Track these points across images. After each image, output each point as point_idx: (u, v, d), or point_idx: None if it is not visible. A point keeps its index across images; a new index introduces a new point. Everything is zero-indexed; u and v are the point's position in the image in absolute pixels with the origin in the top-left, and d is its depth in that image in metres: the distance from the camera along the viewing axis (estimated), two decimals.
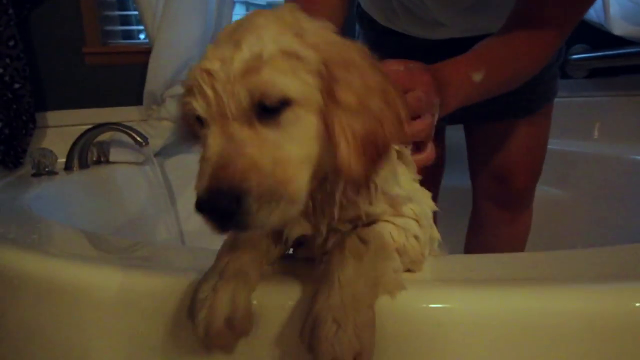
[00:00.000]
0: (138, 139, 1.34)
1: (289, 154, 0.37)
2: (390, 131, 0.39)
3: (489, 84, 0.67)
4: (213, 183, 0.35)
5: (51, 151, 1.36)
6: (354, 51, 0.40)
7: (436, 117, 0.58)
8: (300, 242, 0.52)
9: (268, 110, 0.37)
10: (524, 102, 0.98)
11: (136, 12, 1.62)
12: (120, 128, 1.36)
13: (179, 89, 1.45)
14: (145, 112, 1.54)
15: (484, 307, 0.46)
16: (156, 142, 1.47)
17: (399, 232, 0.47)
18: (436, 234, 0.57)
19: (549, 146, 1.06)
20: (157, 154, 1.48)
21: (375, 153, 0.38)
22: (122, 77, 1.61)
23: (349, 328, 0.37)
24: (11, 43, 1.32)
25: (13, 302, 0.61)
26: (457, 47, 0.75)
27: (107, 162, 1.46)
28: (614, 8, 1.37)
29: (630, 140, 1.40)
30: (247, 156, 0.36)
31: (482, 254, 0.62)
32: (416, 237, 0.49)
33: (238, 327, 0.42)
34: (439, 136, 1.11)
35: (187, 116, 0.41)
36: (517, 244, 1.09)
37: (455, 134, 1.15)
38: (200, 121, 0.39)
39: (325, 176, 0.43)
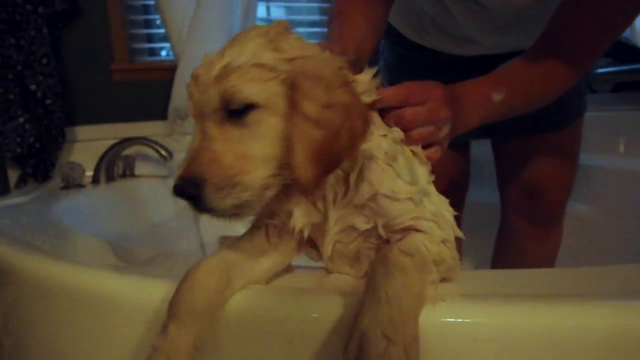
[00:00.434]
0: (163, 153, 1.37)
1: (250, 150, 0.43)
2: (344, 145, 0.42)
3: (509, 104, 0.68)
4: (183, 173, 0.42)
5: (79, 165, 1.40)
6: (329, 68, 0.43)
7: (445, 130, 0.60)
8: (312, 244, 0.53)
9: (236, 111, 0.42)
10: (555, 117, 0.96)
11: (161, 30, 1.67)
12: (146, 142, 1.40)
13: None
14: (170, 127, 1.58)
15: (519, 323, 0.45)
16: (180, 156, 1.50)
17: (430, 241, 0.48)
18: (460, 233, 0.56)
19: None
20: None
21: (327, 162, 0.42)
22: (148, 93, 1.66)
23: (399, 343, 0.37)
24: (44, 61, 1.38)
25: (44, 310, 0.62)
26: (486, 63, 0.75)
27: (133, 175, 1.50)
28: (639, 22, 1.35)
29: None
30: (212, 151, 0.42)
31: (512, 269, 0.61)
32: (444, 241, 0.50)
33: None
34: (463, 150, 1.11)
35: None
36: (546, 261, 1.06)
37: (481, 147, 1.13)
38: None
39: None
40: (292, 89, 0.42)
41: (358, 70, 0.50)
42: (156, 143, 1.39)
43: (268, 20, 2.01)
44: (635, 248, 1.24)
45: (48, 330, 0.63)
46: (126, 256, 0.76)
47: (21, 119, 1.37)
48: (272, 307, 0.48)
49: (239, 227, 0.54)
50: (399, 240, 0.48)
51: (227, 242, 0.52)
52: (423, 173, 0.54)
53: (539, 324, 0.45)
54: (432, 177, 0.56)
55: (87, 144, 1.55)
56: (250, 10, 1.59)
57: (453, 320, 0.45)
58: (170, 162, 1.39)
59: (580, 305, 0.46)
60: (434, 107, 0.58)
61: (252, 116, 0.42)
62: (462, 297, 0.48)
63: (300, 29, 2.10)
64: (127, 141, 1.43)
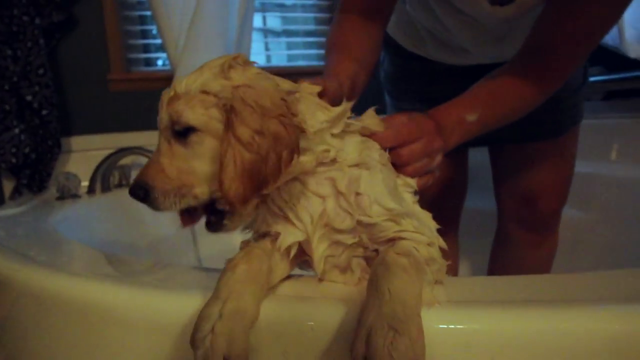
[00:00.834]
0: None
1: (190, 166, 0.49)
2: (271, 170, 0.46)
3: (485, 121, 0.71)
4: (137, 179, 0.50)
5: (75, 175, 1.40)
6: (269, 98, 0.47)
7: (438, 159, 0.65)
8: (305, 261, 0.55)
9: (180, 132, 0.48)
10: (550, 125, 0.97)
11: (158, 41, 1.68)
12: (142, 152, 1.40)
13: None
14: None
15: (512, 328, 0.45)
16: None
17: (417, 243, 0.50)
18: (443, 244, 0.58)
19: None
20: None
21: (253, 183, 0.46)
22: (144, 103, 1.66)
23: (405, 335, 0.38)
24: (41, 71, 1.39)
25: (39, 320, 0.62)
26: (483, 72, 0.77)
27: (129, 185, 1.50)
28: (629, 32, 1.38)
29: None
30: (160, 163, 0.49)
31: (506, 275, 0.62)
32: (430, 244, 0.52)
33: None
34: (461, 158, 1.12)
35: None
36: (542, 267, 1.07)
37: (478, 155, 1.14)
38: None
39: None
40: (230, 113, 0.46)
41: (349, 101, 0.55)
42: (152, 153, 1.39)
43: (265, 31, 2.03)
44: (629, 253, 1.25)
45: (43, 341, 0.62)
46: (122, 267, 0.76)
47: (17, 130, 1.37)
48: (266, 314, 0.48)
49: (237, 238, 0.55)
50: (391, 246, 0.50)
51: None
52: (408, 195, 0.58)
53: (533, 329, 0.45)
54: (417, 198, 0.59)
55: (83, 154, 1.55)
56: (246, 20, 1.60)
57: (446, 326, 0.45)
58: None
59: (574, 311, 0.47)
60: (428, 141, 0.62)
61: (193, 137, 0.48)
62: (455, 303, 0.48)
63: (297, 39, 2.13)
64: (123, 151, 1.43)
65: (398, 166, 0.60)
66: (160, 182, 0.48)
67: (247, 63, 0.51)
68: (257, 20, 1.91)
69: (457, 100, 0.71)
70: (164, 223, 1.43)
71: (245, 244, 0.53)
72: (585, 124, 1.04)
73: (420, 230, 0.52)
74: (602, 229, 1.37)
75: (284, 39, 2.08)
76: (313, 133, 0.50)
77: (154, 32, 1.71)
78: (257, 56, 1.95)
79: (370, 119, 0.58)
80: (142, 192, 0.49)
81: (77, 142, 1.58)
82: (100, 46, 1.61)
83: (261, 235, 0.54)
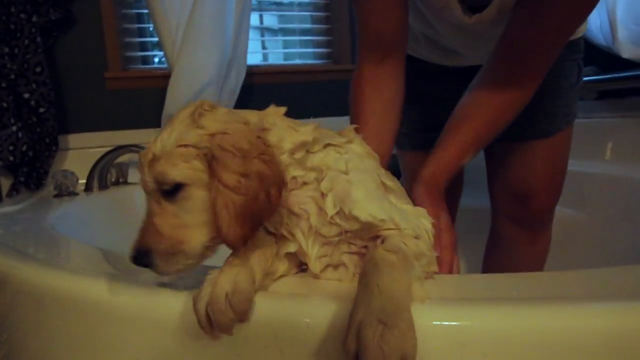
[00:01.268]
0: None
1: (183, 221, 0.49)
2: (262, 207, 0.48)
3: (478, 150, 0.80)
4: (136, 245, 0.49)
5: (72, 173, 1.40)
6: (246, 140, 0.49)
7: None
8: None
9: (168, 191, 0.49)
10: (544, 124, 0.99)
11: (155, 39, 1.68)
12: (139, 150, 1.40)
13: None
14: None
15: (505, 326, 0.46)
16: None
17: (405, 238, 0.52)
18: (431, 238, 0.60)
19: None
20: None
21: (250, 222, 0.48)
22: (141, 101, 1.67)
23: (394, 328, 0.39)
24: (38, 69, 1.39)
25: (37, 318, 0.62)
26: (475, 73, 0.78)
27: (126, 183, 1.50)
28: (622, 32, 1.39)
29: None
30: (154, 225, 0.49)
31: (501, 273, 0.63)
32: (417, 237, 0.54)
33: (237, 305, 0.47)
34: None
35: None
36: (535, 265, 1.08)
37: None
38: None
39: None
40: (212, 161, 0.48)
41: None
42: None
43: (261, 29, 2.03)
44: (622, 251, 1.26)
45: (41, 338, 0.63)
46: (119, 264, 0.76)
47: (14, 128, 1.37)
48: (262, 312, 0.49)
49: None
50: (381, 242, 0.51)
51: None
52: (398, 203, 0.59)
53: (525, 327, 0.46)
54: (408, 201, 0.62)
55: (81, 152, 1.56)
56: (243, 18, 1.60)
57: (439, 323, 0.45)
58: None
59: (566, 308, 0.47)
60: (447, 229, 0.70)
61: (182, 193, 0.49)
62: (448, 300, 0.49)
63: (293, 37, 2.13)
64: (120, 149, 1.43)
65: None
66: (157, 243, 0.48)
67: (213, 107, 0.52)
68: (253, 19, 1.91)
69: (447, 152, 0.78)
70: None
71: None
72: (579, 123, 1.05)
73: (403, 226, 0.53)
74: (596, 228, 1.38)
75: (280, 38, 2.09)
76: (288, 158, 0.52)
77: (151, 30, 1.71)
78: (254, 55, 1.96)
79: (356, 139, 0.59)
80: (145, 257, 0.48)
81: (75, 139, 1.58)
82: (98, 44, 1.61)
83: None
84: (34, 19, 1.39)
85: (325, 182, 0.53)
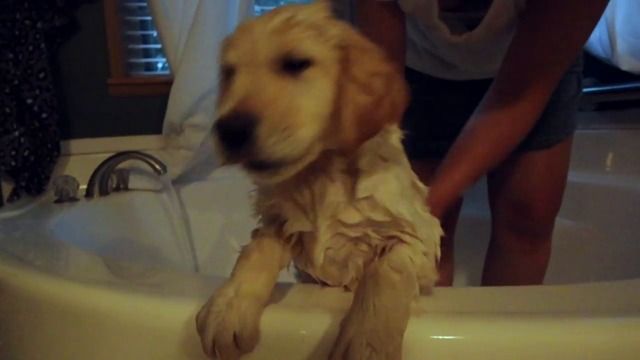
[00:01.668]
0: (156, 167, 1.38)
1: (302, 104, 0.42)
2: (385, 111, 0.45)
3: (475, 182, 0.81)
4: (236, 106, 0.39)
5: (73, 178, 1.40)
6: (369, 42, 0.47)
7: None
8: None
9: (292, 65, 0.43)
10: (543, 135, 0.99)
11: (158, 45, 1.69)
12: (140, 156, 1.41)
13: (197, 119, 1.51)
14: (165, 141, 1.59)
15: (498, 340, 0.46)
16: (174, 170, 1.51)
17: (415, 253, 0.50)
18: (439, 253, 0.59)
19: None
20: (174, 182, 1.51)
21: (368, 127, 0.44)
22: (143, 107, 1.67)
23: (382, 353, 0.38)
24: (41, 75, 1.40)
25: (34, 324, 0.62)
26: (476, 88, 0.80)
27: (126, 189, 1.50)
28: (621, 45, 1.40)
29: None
30: (268, 93, 0.41)
31: (500, 285, 0.63)
32: (426, 254, 0.52)
33: (244, 344, 0.44)
34: None
35: (221, 71, 0.48)
36: (535, 276, 1.08)
37: None
38: (229, 74, 0.45)
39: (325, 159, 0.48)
40: (344, 53, 0.44)
41: None
42: (150, 157, 1.40)
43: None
44: (622, 263, 1.25)
45: (39, 345, 0.63)
46: (119, 271, 0.76)
47: (16, 133, 1.37)
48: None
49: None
50: (388, 251, 0.50)
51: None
52: (419, 205, 0.58)
53: (518, 341, 0.46)
54: (428, 208, 0.60)
55: (82, 157, 1.56)
56: None
57: (433, 337, 0.45)
58: (164, 176, 1.40)
59: (562, 323, 0.47)
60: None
61: (308, 72, 0.43)
62: (440, 314, 0.48)
63: None
64: (121, 155, 1.44)
65: None
66: (271, 114, 0.39)
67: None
68: None
69: (443, 184, 0.78)
70: (159, 226, 1.45)
71: (255, 233, 0.54)
72: (579, 134, 1.05)
73: (420, 236, 0.52)
74: (596, 239, 1.38)
75: None
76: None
77: (155, 36, 1.72)
78: None
79: (395, 133, 0.57)
80: (248, 125, 0.38)
81: (76, 145, 1.58)
82: (101, 51, 1.62)
83: (270, 220, 0.54)
84: (39, 25, 1.40)
85: (364, 162, 0.49)
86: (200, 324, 0.45)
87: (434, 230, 0.57)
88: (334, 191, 0.49)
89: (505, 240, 1.09)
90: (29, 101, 1.38)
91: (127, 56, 1.69)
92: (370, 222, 0.50)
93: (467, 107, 0.87)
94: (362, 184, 0.49)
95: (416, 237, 0.51)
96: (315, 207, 0.50)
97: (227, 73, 0.46)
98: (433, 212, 0.70)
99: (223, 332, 0.43)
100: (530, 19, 0.76)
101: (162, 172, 1.38)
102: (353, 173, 0.50)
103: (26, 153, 1.39)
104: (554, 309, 0.53)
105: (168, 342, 0.53)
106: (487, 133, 0.80)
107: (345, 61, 0.44)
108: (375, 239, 0.51)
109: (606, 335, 0.46)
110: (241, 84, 0.42)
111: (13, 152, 1.37)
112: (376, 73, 0.45)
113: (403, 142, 0.57)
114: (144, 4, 1.65)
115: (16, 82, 1.37)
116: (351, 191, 0.49)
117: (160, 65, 1.81)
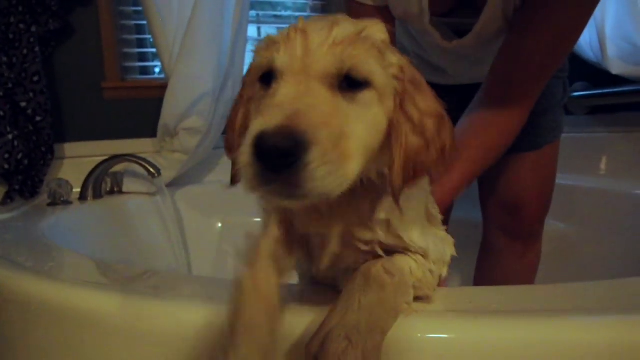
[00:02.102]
0: (151, 170, 1.38)
1: (355, 130, 0.37)
2: (433, 156, 0.42)
3: (472, 181, 0.83)
4: (285, 122, 0.32)
5: (67, 181, 1.40)
6: (421, 76, 0.44)
7: None
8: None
9: (350, 83, 0.38)
10: (532, 137, 1.01)
11: (153, 50, 1.70)
12: (134, 159, 1.41)
13: (192, 122, 1.51)
14: (159, 144, 1.59)
15: (485, 339, 0.46)
16: (168, 174, 1.51)
17: (418, 267, 0.49)
18: (445, 273, 0.58)
19: None
20: (168, 185, 1.51)
21: (415, 170, 0.41)
22: (138, 111, 1.67)
23: (359, 348, 0.38)
24: (36, 78, 1.40)
25: (26, 327, 0.62)
26: (465, 92, 0.81)
27: (120, 192, 1.50)
28: (611, 49, 1.42)
29: (634, 175, 1.41)
30: (323, 112, 0.35)
31: (491, 285, 0.63)
32: (431, 272, 0.51)
33: None
34: None
35: (255, 69, 0.43)
36: (526, 277, 1.09)
37: None
38: (267, 77, 0.40)
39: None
40: (400, 86, 0.41)
41: None
42: (144, 160, 1.40)
43: (259, 41, 2.05)
44: (612, 265, 1.27)
45: (31, 348, 0.63)
46: (112, 274, 0.76)
47: (10, 136, 1.37)
48: None
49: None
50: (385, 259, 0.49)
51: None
52: (433, 231, 0.55)
53: (509, 339, 0.46)
54: (445, 227, 0.58)
55: (76, 161, 1.56)
56: (241, 31, 1.62)
57: (425, 335, 0.46)
58: (158, 179, 1.40)
59: (551, 322, 0.48)
60: None
61: (364, 95, 0.39)
62: (426, 313, 0.49)
63: None
64: (115, 158, 1.43)
65: None
66: (325, 138, 0.33)
67: None
68: (251, 30, 1.93)
69: (447, 185, 0.79)
70: (153, 229, 1.44)
71: (249, 236, 0.49)
72: (570, 137, 1.07)
73: (432, 258, 0.50)
74: (587, 242, 1.39)
75: None
76: None
77: (151, 41, 1.72)
78: None
79: None
80: (292, 146, 0.31)
81: (70, 148, 1.58)
82: (96, 54, 1.62)
83: (281, 220, 0.49)
84: (33, 29, 1.40)
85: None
86: None
87: (447, 250, 0.55)
88: (355, 204, 0.46)
89: (497, 241, 1.11)
90: (23, 104, 1.38)
91: (122, 60, 1.69)
92: (381, 243, 0.49)
93: (456, 111, 0.88)
94: (383, 205, 0.46)
95: (423, 257, 0.50)
96: (331, 213, 0.47)
97: (265, 77, 0.41)
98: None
99: None
100: (519, 25, 0.77)
101: (156, 175, 1.38)
102: (374, 190, 0.47)
103: (20, 156, 1.38)
104: (544, 308, 0.53)
105: (161, 344, 0.53)
106: (477, 136, 0.82)
107: (401, 94, 0.41)
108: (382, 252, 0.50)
109: (596, 333, 0.47)
110: (289, 94, 0.36)
111: (7, 156, 1.36)
112: (429, 113, 0.42)
113: None
114: (139, 8, 1.65)
115: (10, 85, 1.36)
116: (369, 209, 0.46)
117: (157, 69, 1.82)
